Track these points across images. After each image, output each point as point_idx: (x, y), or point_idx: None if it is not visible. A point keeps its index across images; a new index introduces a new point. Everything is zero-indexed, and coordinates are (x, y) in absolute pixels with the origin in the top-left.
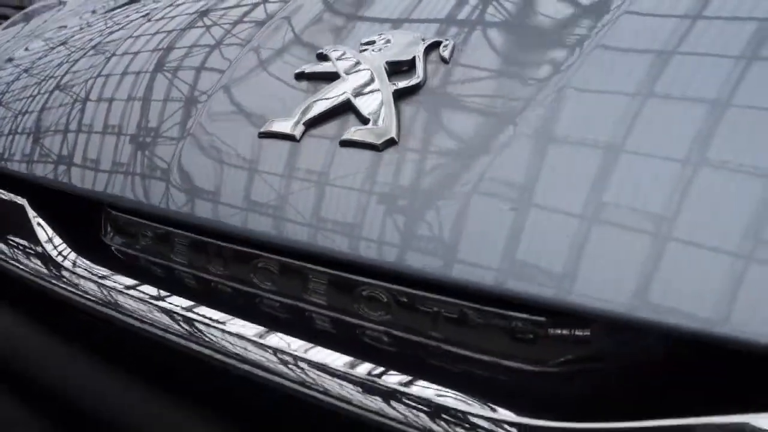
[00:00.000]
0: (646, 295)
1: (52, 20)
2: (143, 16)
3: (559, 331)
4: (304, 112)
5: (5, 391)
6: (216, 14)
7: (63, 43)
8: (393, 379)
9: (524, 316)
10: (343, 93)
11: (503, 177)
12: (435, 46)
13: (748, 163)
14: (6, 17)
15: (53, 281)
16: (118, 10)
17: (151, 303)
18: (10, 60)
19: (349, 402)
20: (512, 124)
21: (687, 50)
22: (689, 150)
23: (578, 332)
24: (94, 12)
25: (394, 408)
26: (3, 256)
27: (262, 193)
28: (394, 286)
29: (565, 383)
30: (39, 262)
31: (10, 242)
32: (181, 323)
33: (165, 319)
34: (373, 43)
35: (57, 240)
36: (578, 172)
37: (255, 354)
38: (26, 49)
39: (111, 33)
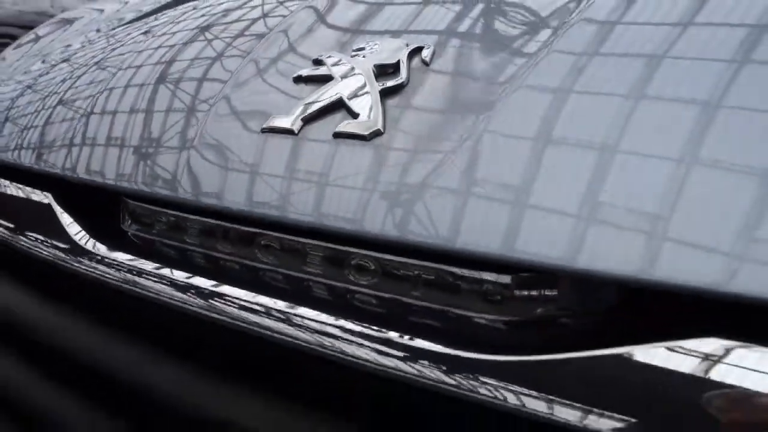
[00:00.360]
0: (595, 248)
1: (59, 40)
2: (149, 32)
3: (522, 289)
4: (302, 110)
5: (36, 362)
6: (218, 28)
7: (78, 56)
8: (379, 333)
9: (491, 276)
10: (337, 93)
11: (472, 157)
12: (417, 51)
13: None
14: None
15: (80, 265)
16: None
17: (168, 280)
18: (44, 62)
19: (344, 353)
20: (478, 115)
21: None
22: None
23: (542, 289)
24: (120, 21)
25: (380, 354)
26: (33, 245)
27: (265, 179)
28: (380, 255)
29: (528, 333)
30: (67, 249)
31: (40, 233)
32: (193, 295)
33: (179, 294)
34: (363, 49)
35: (80, 229)
36: (535, 153)
37: (260, 318)
38: (43, 62)
39: (124, 44)
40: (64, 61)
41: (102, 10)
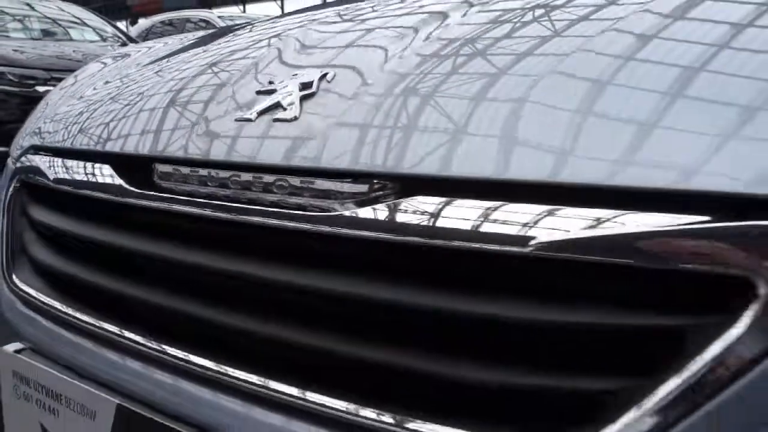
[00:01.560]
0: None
1: (109, 70)
2: (172, 65)
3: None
4: (257, 108)
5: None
6: (216, 63)
7: (119, 83)
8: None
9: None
10: (277, 99)
11: (338, 120)
12: (324, 76)
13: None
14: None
15: (132, 199)
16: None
17: (180, 203)
18: (106, 83)
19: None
20: (350, 99)
21: None
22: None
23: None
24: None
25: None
26: (105, 193)
27: (235, 142)
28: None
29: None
30: (124, 192)
31: (106, 188)
32: (194, 207)
33: (185, 208)
34: (296, 75)
35: (129, 184)
36: (375, 108)
37: (243, 216)
38: (94, 89)
39: (148, 77)
40: (111, 82)
41: (145, 49)
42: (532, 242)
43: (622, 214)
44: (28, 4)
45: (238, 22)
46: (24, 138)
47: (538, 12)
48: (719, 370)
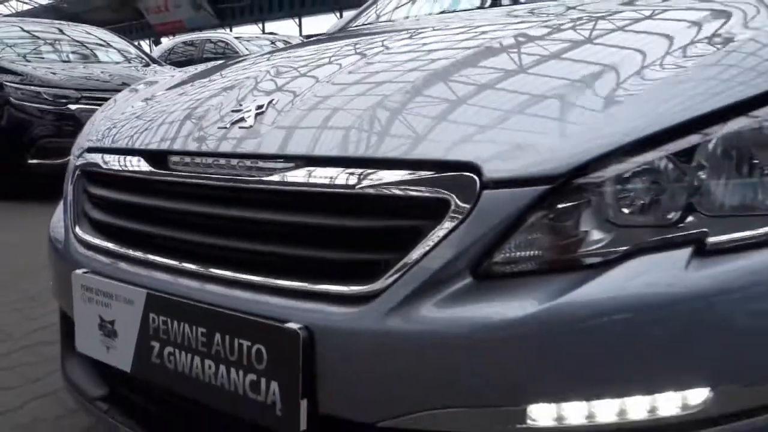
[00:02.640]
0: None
1: (141, 93)
2: (184, 89)
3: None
4: (230, 120)
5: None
6: (209, 87)
7: (144, 104)
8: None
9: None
10: (242, 115)
11: (279, 121)
12: (272, 101)
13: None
14: None
15: (156, 176)
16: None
17: (181, 176)
18: (136, 103)
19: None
20: (281, 114)
21: None
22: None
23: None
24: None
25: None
26: (138, 174)
27: (217, 143)
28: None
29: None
30: (149, 172)
31: (139, 171)
32: (188, 177)
33: (182, 179)
34: (255, 100)
35: (153, 168)
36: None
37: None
38: (122, 113)
39: (164, 100)
40: (140, 102)
41: (168, 77)
42: (356, 186)
43: (394, 170)
44: (58, 29)
45: (245, 44)
46: (82, 143)
47: (396, 66)
48: (435, 246)
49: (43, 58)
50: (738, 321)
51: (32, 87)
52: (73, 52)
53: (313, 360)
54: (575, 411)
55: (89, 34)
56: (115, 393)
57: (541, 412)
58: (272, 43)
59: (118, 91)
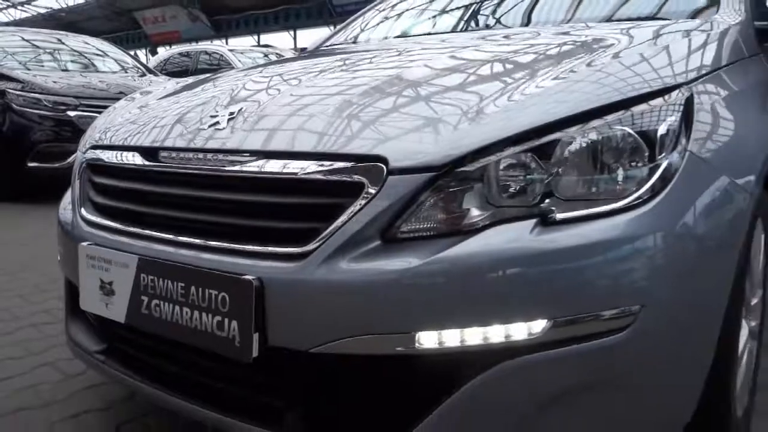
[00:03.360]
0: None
1: (135, 102)
2: (176, 98)
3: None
4: (208, 123)
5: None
6: (199, 95)
7: (139, 111)
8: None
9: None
10: (218, 119)
11: (252, 123)
12: (241, 109)
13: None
14: None
15: (149, 167)
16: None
17: (173, 167)
18: (133, 109)
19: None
20: (248, 119)
21: None
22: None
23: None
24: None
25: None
26: (134, 166)
27: (197, 141)
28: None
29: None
30: (144, 165)
31: (136, 164)
32: (177, 167)
33: (171, 171)
34: (227, 108)
35: (146, 161)
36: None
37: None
38: (121, 117)
39: (157, 106)
40: (135, 109)
41: (161, 88)
42: (297, 174)
43: (325, 161)
44: (58, 39)
45: (239, 56)
46: (87, 140)
47: (342, 80)
48: (352, 217)
49: (43, 66)
50: (565, 272)
51: (33, 94)
52: (72, 61)
53: (263, 303)
54: (451, 337)
55: (87, 44)
56: (110, 347)
57: (425, 338)
58: (265, 55)
59: (115, 99)
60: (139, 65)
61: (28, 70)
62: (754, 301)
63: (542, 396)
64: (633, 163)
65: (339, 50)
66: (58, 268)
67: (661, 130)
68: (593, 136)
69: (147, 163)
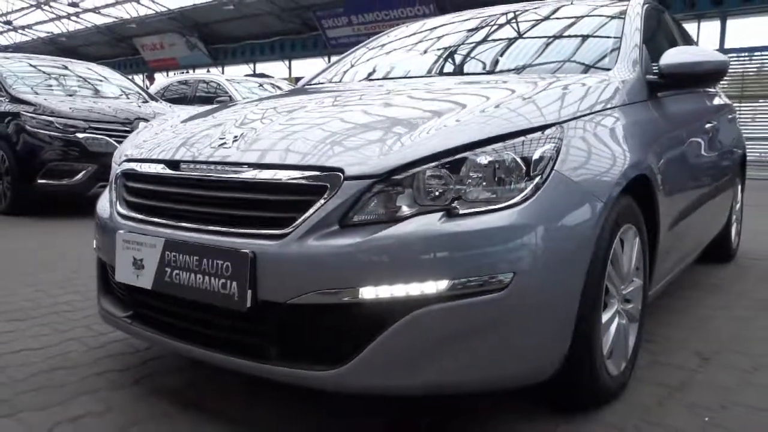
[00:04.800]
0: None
1: (154, 124)
2: (194, 122)
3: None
4: (218, 144)
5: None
6: (210, 119)
7: (160, 132)
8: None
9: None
10: (225, 140)
11: (255, 134)
12: (242, 133)
13: None
14: None
15: (172, 174)
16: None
17: (186, 173)
18: (155, 132)
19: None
20: (248, 141)
21: None
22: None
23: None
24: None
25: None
26: (159, 174)
27: (210, 155)
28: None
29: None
30: (167, 174)
31: (157, 172)
32: (190, 174)
33: (185, 176)
34: (232, 132)
35: (171, 171)
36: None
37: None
38: (144, 140)
39: (178, 131)
40: (158, 132)
41: (176, 115)
42: (281, 179)
43: (300, 171)
44: (64, 65)
45: (236, 86)
46: (120, 155)
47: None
48: (317, 210)
49: (52, 91)
50: (461, 247)
51: (45, 116)
52: (78, 86)
53: (255, 269)
54: (383, 291)
55: (91, 70)
56: (135, 313)
57: (365, 292)
58: (260, 85)
59: (121, 123)
60: (140, 91)
61: (37, 94)
62: (629, 289)
63: (443, 334)
64: (515, 177)
65: (319, 89)
66: (93, 254)
67: (536, 155)
68: (490, 157)
69: (170, 171)
